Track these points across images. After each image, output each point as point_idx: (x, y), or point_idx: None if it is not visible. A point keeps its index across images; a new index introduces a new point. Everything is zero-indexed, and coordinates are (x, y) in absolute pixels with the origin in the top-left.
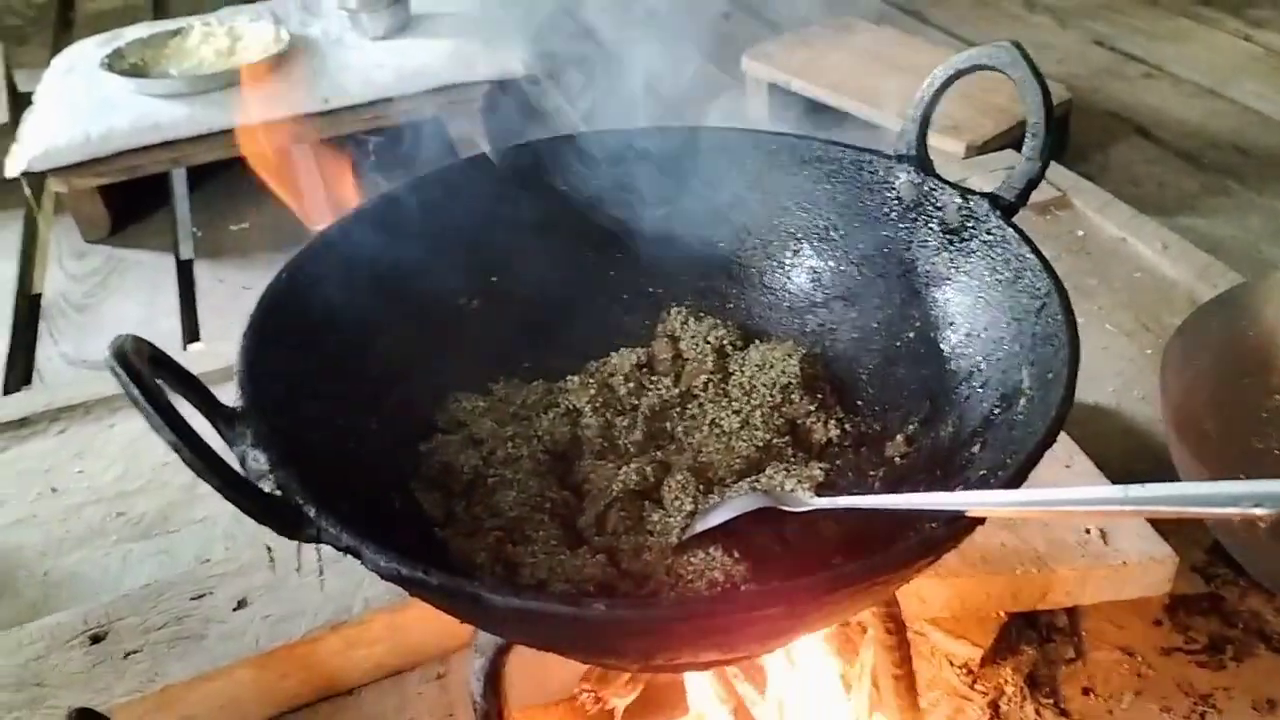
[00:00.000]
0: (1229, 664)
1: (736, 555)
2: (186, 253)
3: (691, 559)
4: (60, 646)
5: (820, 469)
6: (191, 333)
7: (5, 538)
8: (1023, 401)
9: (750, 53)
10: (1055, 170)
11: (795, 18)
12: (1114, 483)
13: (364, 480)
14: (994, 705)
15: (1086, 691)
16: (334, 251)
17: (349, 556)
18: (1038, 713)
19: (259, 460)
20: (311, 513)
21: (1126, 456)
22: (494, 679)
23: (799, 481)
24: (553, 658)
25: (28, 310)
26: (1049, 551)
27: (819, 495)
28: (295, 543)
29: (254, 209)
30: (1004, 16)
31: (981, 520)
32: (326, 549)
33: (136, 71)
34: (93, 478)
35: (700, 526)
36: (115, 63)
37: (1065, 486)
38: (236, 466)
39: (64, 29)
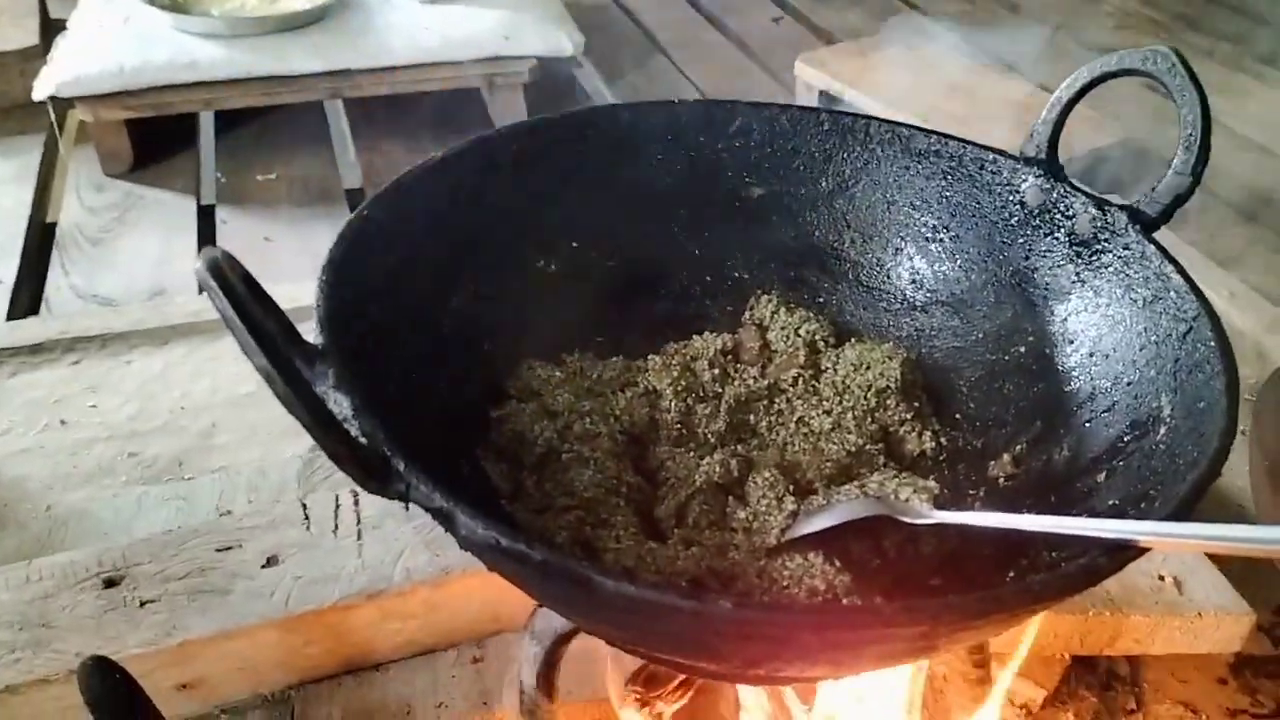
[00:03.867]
0: None
1: (838, 564)
2: (208, 197)
3: (787, 563)
4: (70, 587)
5: (933, 481)
6: None
7: (9, 467)
8: (1163, 431)
9: (804, 57)
10: None
11: (847, 29)
12: None
13: (431, 441)
14: None
15: None
16: (413, 197)
17: (389, 522)
18: None
19: (340, 404)
20: (401, 466)
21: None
22: (549, 669)
23: (914, 491)
24: (599, 654)
25: (39, 238)
26: (1121, 595)
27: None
28: (332, 503)
29: (282, 161)
30: (1059, 53)
31: (1141, 553)
32: (366, 511)
33: (177, 7)
34: (105, 414)
35: (806, 529)
36: None
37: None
38: None
39: None
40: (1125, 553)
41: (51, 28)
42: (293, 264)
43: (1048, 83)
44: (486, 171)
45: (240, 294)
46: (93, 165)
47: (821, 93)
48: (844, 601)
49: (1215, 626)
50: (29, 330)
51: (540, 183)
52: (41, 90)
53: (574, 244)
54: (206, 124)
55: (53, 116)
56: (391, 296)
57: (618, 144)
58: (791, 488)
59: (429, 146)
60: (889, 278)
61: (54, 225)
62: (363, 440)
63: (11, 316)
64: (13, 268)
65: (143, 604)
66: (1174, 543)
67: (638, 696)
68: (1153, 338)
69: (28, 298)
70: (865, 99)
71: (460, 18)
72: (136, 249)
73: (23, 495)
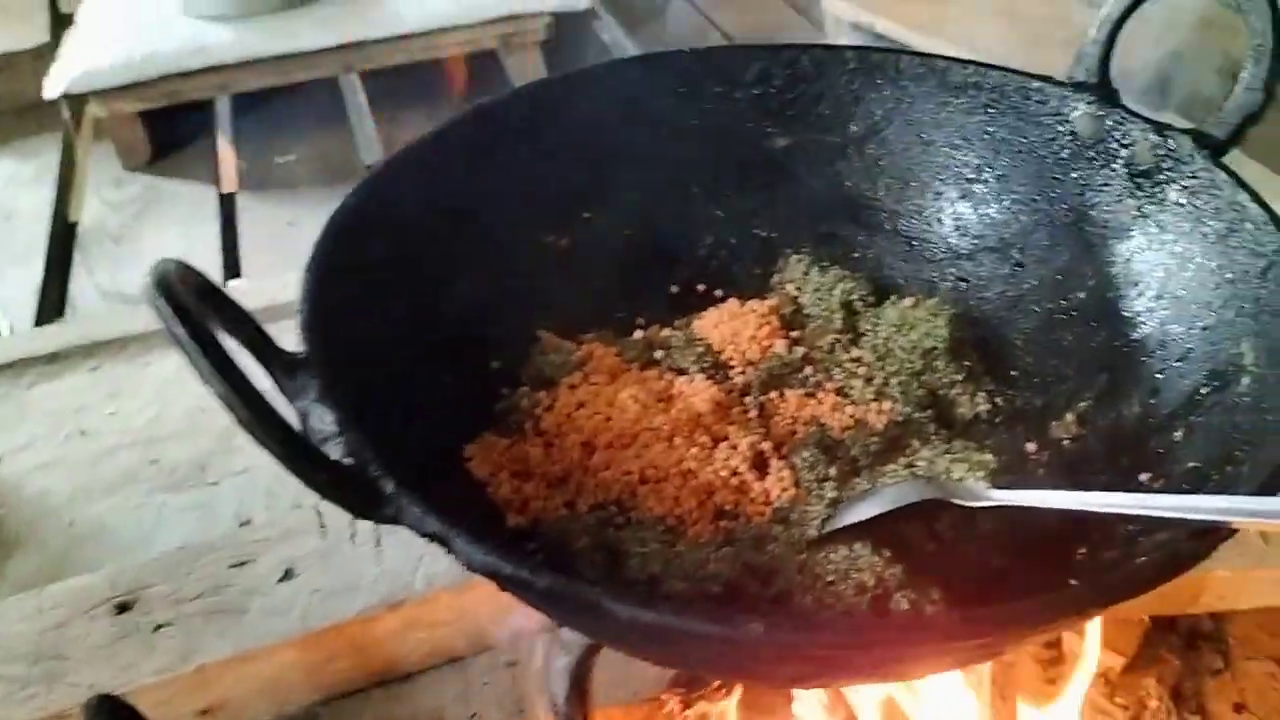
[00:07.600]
0: None
1: (887, 554)
2: (229, 185)
3: (831, 555)
4: (82, 615)
5: (991, 455)
6: (232, 269)
7: (31, 482)
8: (1246, 381)
9: None
10: None
11: None
12: None
13: (434, 442)
14: None
15: (1239, 708)
16: (407, 178)
17: None
18: None
19: (324, 420)
20: (389, 489)
21: None
22: (580, 680)
23: (969, 468)
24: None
25: (63, 239)
26: None
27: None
28: None
29: (300, 141)
30: None
31: (1232, 534)
32: None
33: None
34: (125, 420)
35: (849, 518)
36: None
37: None
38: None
39: None
40: (1214, 535)
41: (62, 23)
42: None
43: None
44: (487, 143)
45: (192, 311)
46: (111, 161)
47: (853, 25)
48: (897, 597)
49: None
50: (47, 339)
51: (546, 152)
52: (53, 88)
53: (586, 215)
54: (223, 110)
55: (68, 114)
56: (388, 288)
57: (626, 102)
58: (834, 470)
59: (449, 115)
60: (930, 225)
61: (76, 225)
62: (348, 461)
63: (39, 320)
64: (38, 270)
65: (156, 628)
66: (1273, 524)
67: (680, 698)
68: (1228, 275)
69: (54, 300)
70: (898, 28)
71: None
72: (159, 243)
73: (45, 511)
